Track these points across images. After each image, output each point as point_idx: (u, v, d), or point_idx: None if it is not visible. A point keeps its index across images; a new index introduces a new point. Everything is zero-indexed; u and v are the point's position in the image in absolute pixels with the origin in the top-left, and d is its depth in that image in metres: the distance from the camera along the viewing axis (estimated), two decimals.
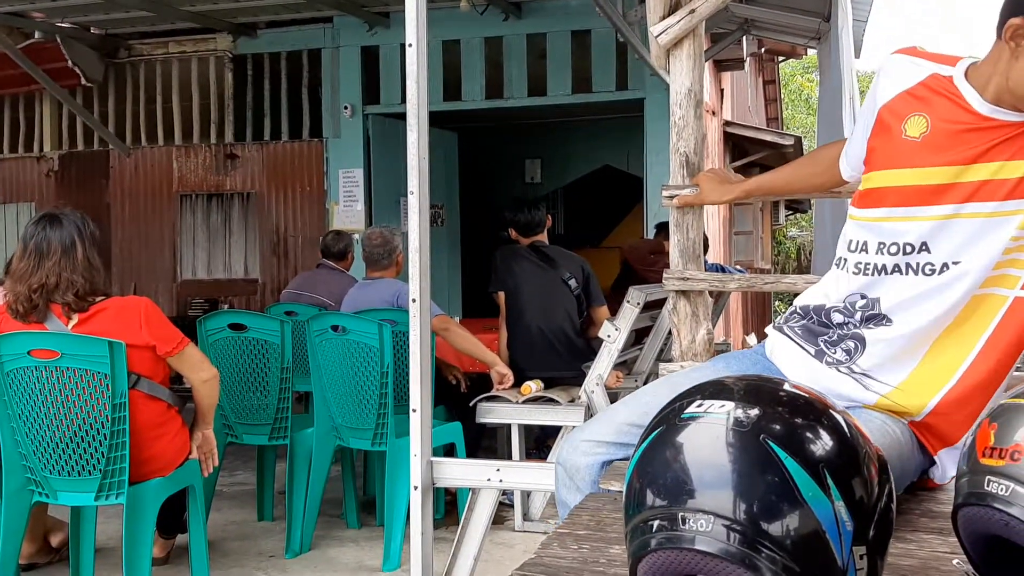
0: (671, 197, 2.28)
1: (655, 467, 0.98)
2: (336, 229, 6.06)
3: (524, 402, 3.94)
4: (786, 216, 16.43)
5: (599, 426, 1.66)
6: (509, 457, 4.10)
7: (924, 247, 1.49)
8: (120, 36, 7.66)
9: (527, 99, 7.13)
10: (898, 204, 1.50)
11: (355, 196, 7.32)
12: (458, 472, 2.71)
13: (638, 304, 3.71)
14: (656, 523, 0.95)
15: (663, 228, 5.23)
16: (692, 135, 2.27)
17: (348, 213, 7.33)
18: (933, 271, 1.50)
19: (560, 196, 10.83)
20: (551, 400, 3.94)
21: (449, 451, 3.89)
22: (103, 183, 8.03)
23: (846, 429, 0.98)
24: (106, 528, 3.55)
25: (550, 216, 4.55)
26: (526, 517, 4.03)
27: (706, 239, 7.56)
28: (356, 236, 5.75)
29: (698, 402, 0.99)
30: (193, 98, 7.81)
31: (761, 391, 1.00)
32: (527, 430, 4.21)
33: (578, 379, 4.04)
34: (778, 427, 0.94)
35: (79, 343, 2.67)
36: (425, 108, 2.61)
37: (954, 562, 1.19)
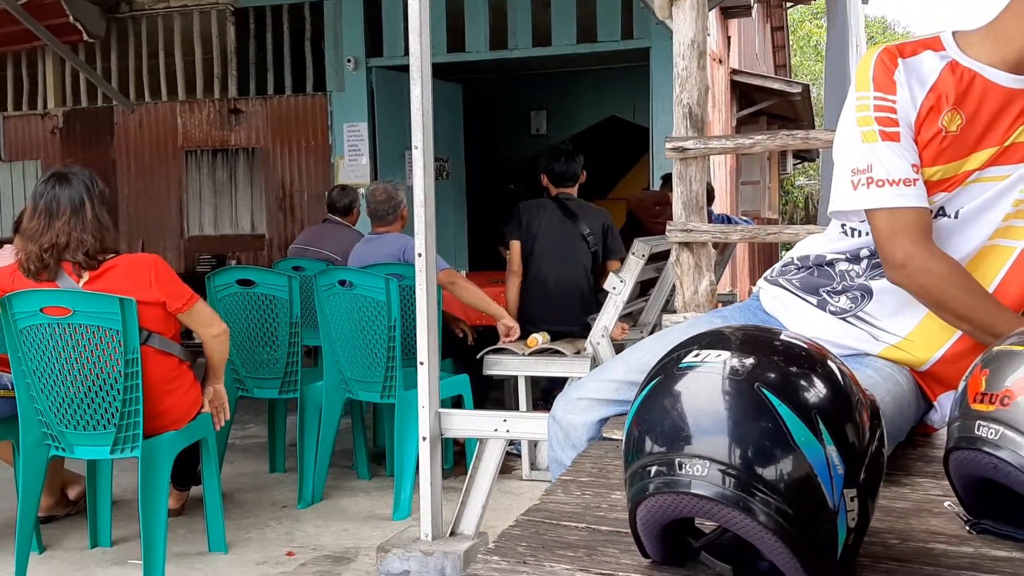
0: (675, 149, 2.28)
1: (653, 415, 1.01)
2: (341, 184, 6.07)
3: (530, 354, 3.98)
4: (794, 165, 16.35)
5: (595, 384, 1.68)
6: (516, 408, 4.15)
7: (941, 211, 1.51)
8: None
9: (532, 49, 7.08)
10: (929, 191, 1.50)
11: (360, 150, 7.31)
12: (465, 423, 2.76)
13: (643, 256, 3.73)
14: (654, 468, 0.98)
15: (668, 179, 5.23)
16: (695, 86, 2.27)
17: (353, 167, 7.33)
18: (945, 215, 1.52)
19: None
20: (557, 352, 3.98)
21: (457, 403, 3.94)
22: (108, 140, 8.03)
23: (839, 377, 1.00)
24: (122, 480, 3.63)
25: (585, 171, 4.54)
26: (533, 466, 4.09)
27: (712, 190, 7.55)
28: (361, 191, 5.76)
29: (695, 352, 1.01)
30: (196, 52, 7.77)
31: (757, 340, 1.03)
32: (534, 382, 4.25)
33: (584, 331, 4.08)
34: (772, 375, 0.96)
35: (91, 300, 2.70)
36: (428, 61, 2.61)
37: (945, 504, 1.23)
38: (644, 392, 1.04)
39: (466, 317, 4.48)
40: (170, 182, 7.90)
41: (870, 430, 0.99)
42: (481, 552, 1.13)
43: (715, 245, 5.13)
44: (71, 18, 7.27)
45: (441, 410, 2.75)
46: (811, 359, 1.01)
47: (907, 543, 1.14)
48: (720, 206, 9.41)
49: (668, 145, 2.32)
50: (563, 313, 4.24)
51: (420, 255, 2.61)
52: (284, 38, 7.60)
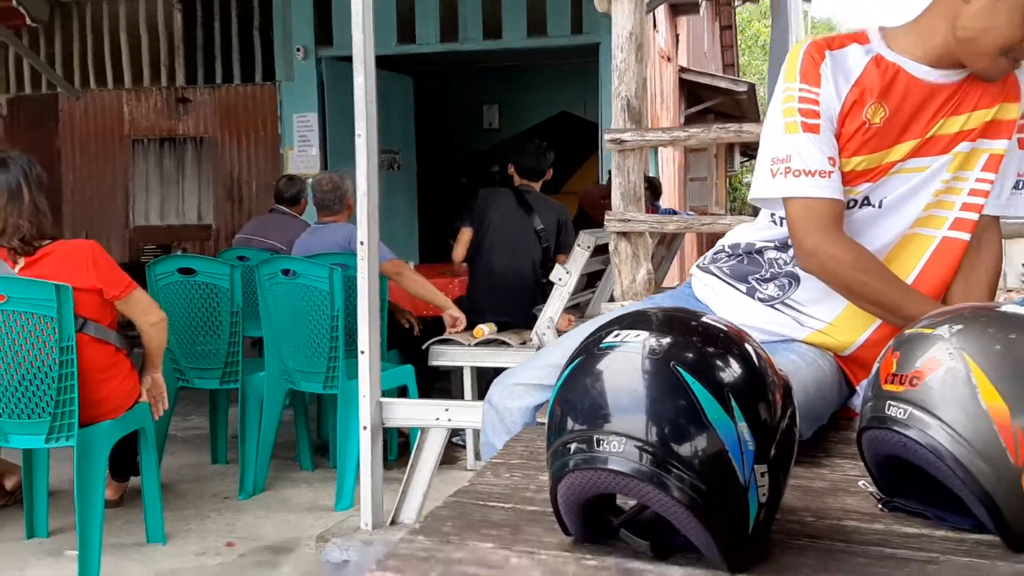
0: (613, 140, 2.31)
1: (574, 394, 1.03)
2: (289, 174, 6.02)
3: (476, 345, 3.99)
4: (741, 163, 16.57)
5: (530, 370, 1.70)
6: (463, 399, 4.16)
7: (866, 200, 1.56)
8: None
9: (482, 42, 7.08)
10: (849, 183, 1.54)
11: (309, 141, 7.26)
12: (407, 412, 2.76)
13: (588, 248, 3.76)
14: (573, 446, 1.00)
15: None
16: (633, 79, 2.29)
17: (303, 158, 7.27)
18: (868, 205, 1.56)
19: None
20: (503, 343, 3.99)
21: (402, 394, 3.94)
22: (52, 127, 7.87)
23: (754, 357, 1.03)
24: (60, 471, 3.56)
25: (551, 169, 4.58)
26: (478, 457, 4.11)
27: (659, 185, 7.61)
28: (309, 181, 5.72)
29: (615, 332, 1.03)
30: (142, 39, 7.65)
31: (675, 321, 1.05)
32: (480, 373, 4.27)
33: (531, 322, 4.10)
34: (688, 354, 0.99)
35: (25, 286, 2.66)
36: (372, 50, 2.60)
37: (860, 484, 1.27)
38: (566, 372, 1.06)
39: (413, 308, 4.47)
40: (116, 171, 7.76)
41: (782, 409, 1.02)
42: (406, 532, 1.14)
43: (662, 239, 5.19)
44: (14, 2, 7.09)
45: (382, 399, 2.75)
46: (727, 340, 1.03)
47: (822, 520, 1.18)
48: (668, 201, 9.51)
49: (606, 137, 2.35)
50: (510, 304, 4.26)
51: (362, 243, 2.60)
52: (232, 26, 7.51)
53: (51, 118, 7.86)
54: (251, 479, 3.71)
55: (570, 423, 1.02)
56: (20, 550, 3.12)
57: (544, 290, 4.23)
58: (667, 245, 5.61)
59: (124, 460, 3.39)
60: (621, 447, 0.97)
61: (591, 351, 1.04)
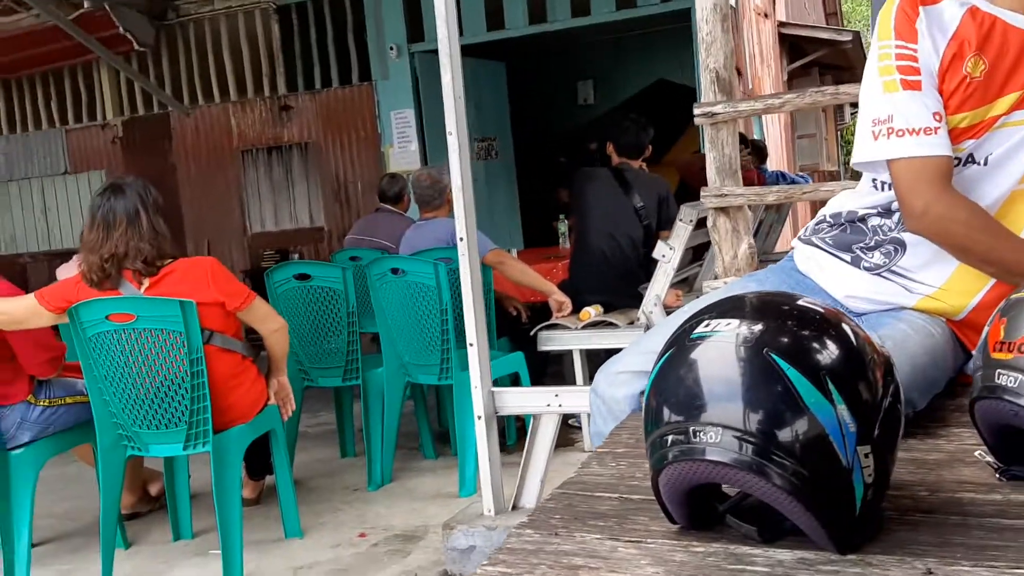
0: (704, 115, 2.28)
1: (668, 386, 1.04)
2: (390, 172, 6.14)
3: (583, 328, 4.01)
4: (851, 114, 15.96)
5: (633, 357, 1.68)
6: (574, 382, 4.18)
7: (970, 158, 1.50)
8: None
9: (571, 20, 7.04)
10: (953, 140, 1.49)
11: (408, 137, 7.38)
12: (518, 400, 2.81)
13: (691, 221, 3.71)
14: (671, 437, 1.01)
15: None
16: (721, 50, 2.26)
17: (403, 154, 7.40)
18: (973, 163, 1.51)
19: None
20: (610, 324, 4.00)
21: (515, 380, 3.99)
22: (167, 145, 8.24)
23: (851, 337, 1.02)
24: (199, 475, 3.77)
25: (651, 146, 4.54)
26: None
27: (765, 147, 7.43)
28: (410, 178, 5.83)
29: (706, 322, 1.04)
30: (243, 53, 7.91)
31: (767, 307, 1.05)
32: (590, 355, 4.28)
33: (637, 302, 4.09)
34: (781, 340, 0.98)
35: (153, 305, 2.82)
36: (457, 45, 2.64)
37: (976, 453, 1.23)
38: (659, 364, 1.07)
39: (519, 295, 4.52)
40: (229, 182, 8.08)
41: (883, 387, 1.00)
42: (515, 527, 1.18)
43: (770, 206, 5.07)
44: (121, 29, 7.45)
45: (494, 389, 2.80)
46: (821, 322, 1.02)
47: (936, 494, 1.15)
48: (775, 162, 9.26)
49: (696, 111, 2.32)
50: (614, 285, 4.25)
51: (462, 239, 2.65)
52: (327, 31, 7.68)
53: (164, 136, 8.23)
54: (378, 470, 3.84)
55: (666, 414, 1.03)
56: (168, 552, 3.32)
57: (648, 268, 4.21)
58: (776, 209, 5.48)
59: (258, 460, 3.56)
60: (719, 437, 0.97)
61: (682, 342, 1.05)
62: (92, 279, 2.87)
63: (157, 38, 7.98)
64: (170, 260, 2.92)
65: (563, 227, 5.95)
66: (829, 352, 0.99)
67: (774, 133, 9.84)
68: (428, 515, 3.45)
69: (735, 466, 0.97)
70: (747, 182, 5.63)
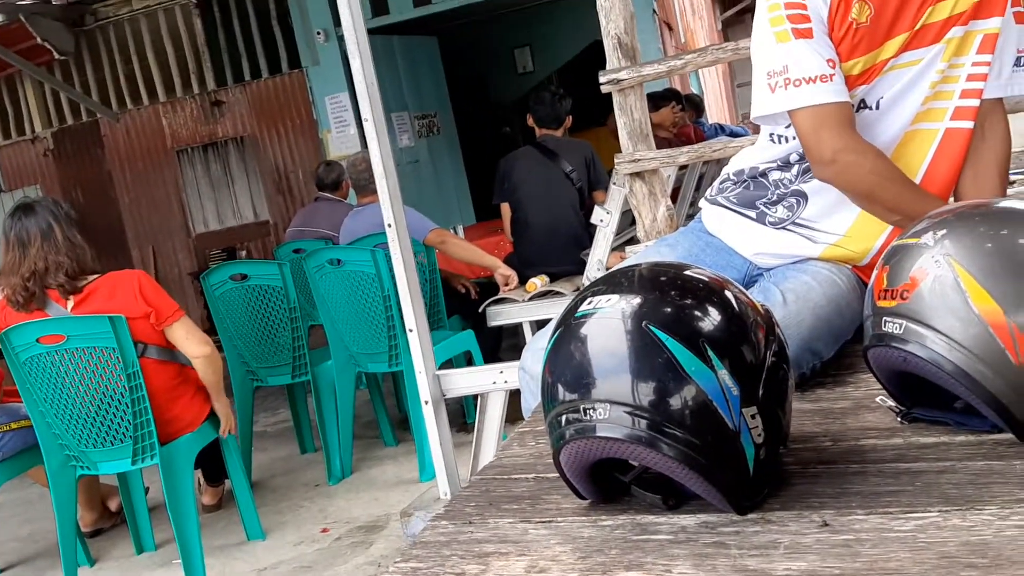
0: (609, 82, 2.27)
1: (559, 365, 1.04)
2: (327, 160, 6.08)
3: (531, 299, 4.01)
4: None
5: None
6: None
7: (862, 103, 1.51)
8: (83, 3, 7.57)
9: None
10: (850, 86, 1.49)
11: (345, 121, 7.30)
12: (464, 381, 2.81)
13: (624, 184, 3.71)
14: (566, 416, 1.02)
15: (652, 99, 5.18)
16: (620, 15, 2.25)
17: (342, 139, 7.32)
18: (865, 108, 1.52)
19: (555, 81, 10.66)
20: (557, 293, 4.00)
21: (470, 360, 3.99)
22: (100, 153, 8.08)
23: (731, 301, 1.02)
24: (157, 486, 3.73)
25: (571, 116, 4.52)
26: None
27: (701, 101, 7.42)
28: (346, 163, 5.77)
29: (589, 299, 1.04)
30: (168, 51, 7.75)
31: (646, 280, 1.05)
32: (542, 326, 4.28)
33: (581, 268, 4.09)
34: (659, 312, 0.99)
35: (81, 323, 2.77)
36: (363, 29, 2.60)
37: (877, 399, 1.25)
38: (550, 343, 1.07)
39: (467, 272, 4.51)
40: (167, 184, 7.95)
41: (764, 346, 1.01)
42: (430, 519, 1.18)
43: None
44: (39, 39, 7.26)
45: (439, 372, 2.80)
46: (699, 290, 1.03)
47: (839, 444, 1.17)
48: (716, 114, 9.28)
49: (602, 79, 2.32)
50: (557, 253, 4.26)
51: (390, 226, 2.64)
52: (251, 21, 7.55)
53: (96, 144, 8.07)
54: (338, 464, 3.83)
55: (560, 393, 1.03)
56: (132, 565, 3.30)
57: (590, 232, 4.21)
58: (716, 161, 5.50)
59: (214, 466, 3.53)
60: (608, 413, 0.98)
61: (568, 321, 1.05)
62: (18, 301, 2.82)
63: (77, 45, 7.80)
64: (95, 276, 2.87)
65: None
66: (709, 319, 1.00)
67: (712, 84, 9.86)
68: (390, 504, 3.45)
69: (627, 440, 0.97)
70: (684, 138, 5.68)
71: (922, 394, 1.16)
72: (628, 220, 4.16)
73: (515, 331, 4.90)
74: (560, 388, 1.03)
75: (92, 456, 2.92)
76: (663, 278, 1.04)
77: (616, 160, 2.37)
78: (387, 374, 4.41)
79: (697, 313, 1.00)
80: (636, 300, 1.00)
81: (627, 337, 0.98)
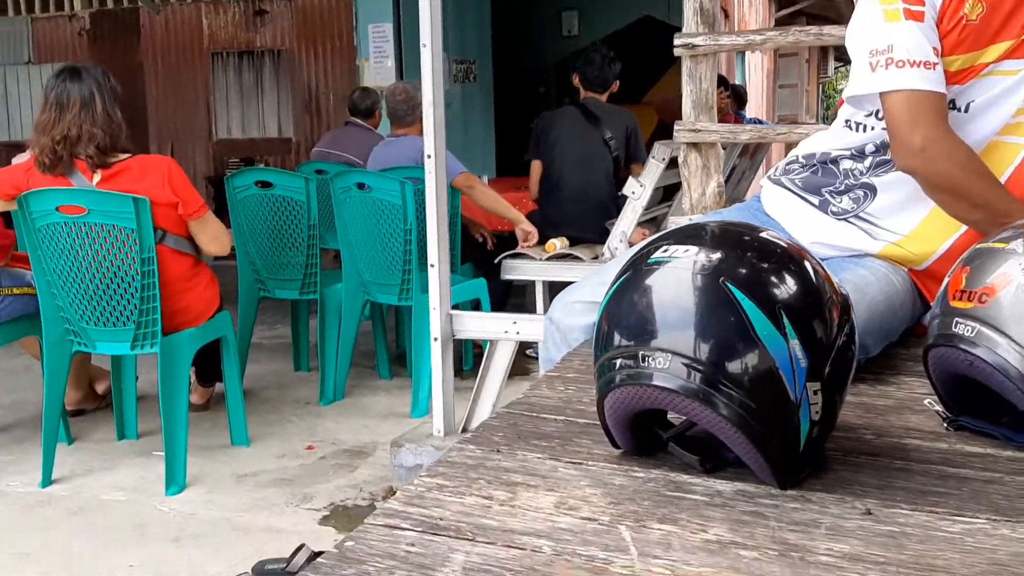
0: (684, 46, 2.22)
1: (621, 310, 1.01)
2: (363, 86, 6.00)
3: (548, 259, 3.98)
4: (835, 68, 15.90)
5: (590, 287, 1.64)
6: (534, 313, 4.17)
7: (951, 104, 1.47)
8: None
9: None
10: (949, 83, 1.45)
11: (385, 52, 7.20)
12: (476, 325, 2.79)
13: (663, 160, 3.67)
14: (620, 361, 0.99)
15: None
16: None
17: (379, 69, 7.23)
18: (955, 109, 1.47)
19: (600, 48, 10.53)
20: (575, 258, 3.97)
21: (476, 307, 3.97)
22: (135, 41, 7.99)
23: (811, 273, 0.99)
24: (148, 377, 3.72)
25: (618, 81, 4.46)
26: None
27: (744, 93, 7.36)
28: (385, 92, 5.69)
29: (664, 247, 1.01)
30: None
31: (728, 236, 1.02)
32: (553, 288, 4.26)
33: (603, 237, 4.06)
34: (739, 270, 0.96)
35: (105, 199, 2.73)
36: None
37: (925, 402, 1.23)
38: (614, 287, 1.04)
39: (487, 222, 4.47)
40: (197, 85, 7.87)
41: (838, 326, 0.98)
42: (457, 442, 1.16)
43: (744, 150, 5.05)
44: None
45: (452, 312, 2.78)
46: (782, 256, 0.99)
47: (882, 439, 1.15)
48: (755, 110, 9.21)
49: (677, 41, 2.26)
50: (582, 218, 4.22)
51: (429, 156, 2.59)
52: None
53: (133, 32, 7.97)
54: (331, 386, 3.82)
55: (617, 338, 1.00)
56: (112, 450, 3.29)
57: (618, 204, 4.17)
58: (750, 156, 5.45)
59: (208, 367, 3.51)
60: (667, 363, 0.95)
61: (638, 267, 1.02)
62: (43, 163, 2.78)
63: None
64: (126, 156, 2.83)
65: None
66: (787, 286, 0.97)
67: (756, 80, 9.78)
68: (378, 433, 3.44)
69: (682, 393, 0.95)
70: None
71: (972, 403, 1.14)
72: (658, 197, 4.12)
73: (522, 291, 4.88)
74: (617, 334, 1.00)
75: (92, 334, 2.89)
76: (746, 237, 1.01)
77: (676, 127, 2.32)
78: (392, 309, 4.39)
79: (776, 278, 0.96)
80: (716, 255, 0.97)
81: (701, 291, 0.95)
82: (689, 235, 1.02)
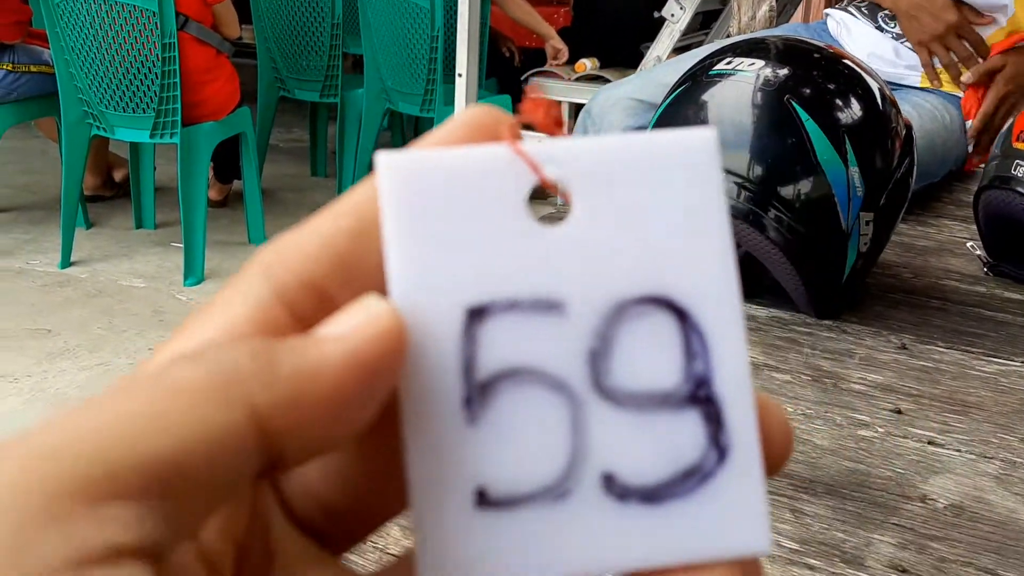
0: None
1: (676, 122, 0.97)
2: None
3: (577, 80, 3.86)
4: None
5: (644, 85, 1.48)
6: None
7: None
8: None
9: None
10: None
11: None
12: None
13: None
14: None
15: None
16: None
17: None
18: None
19: None
20: (605, 80, 3.85)
21: None
22: None
23: (878, 99, 0.94)
24: (167, 169, 3.70)
25: None
26: None
27: None
28: None
29: (728, 59, 0.95)
30: None
31: (795, 52, 0.96)
32: (579, 110, 4.16)
33: (636, 60, 3.92)
34: (804, 89, 0.91)
35: None
36: None
37: (968, 244, 1.20)
38: (670, 98, 0.99)
39: (515, 36, 4.31)
40: None
41: (899, 157, 0.95)
42: None
43: None
44: None
45: None
46: (849, 77, 0.94)
47: (920, 278, 1.13)
48: None
49: None
50: (617, 40, 4.06)
51: None
52: None
53: None
54: (348, 189, 3.79)
55: None
56: (129, 237, 3.31)
57: (655, 26, 4.00)
58: None
59: (227, 163, 3.49)
60: None
61: (699, 78, 0.97)
62: None
63: None
64: None
65: None
66: (852, 110, 0.92)
67: None
68: None
69: (730, 214, 0.92)
70: None
71: (1017, 251, 1.12)
72: (697, 23, 3.95)
73: None
74: None
75: (111, 119, 2.84)
76: (816, 55, 0.95)
77: None
78: (412, 120, 4.31)
79: (842, 101, 0.92)
80: (783, 71, 0.92)
81: (763, 107, 0.91)
82: (755, 47, 0.96)
